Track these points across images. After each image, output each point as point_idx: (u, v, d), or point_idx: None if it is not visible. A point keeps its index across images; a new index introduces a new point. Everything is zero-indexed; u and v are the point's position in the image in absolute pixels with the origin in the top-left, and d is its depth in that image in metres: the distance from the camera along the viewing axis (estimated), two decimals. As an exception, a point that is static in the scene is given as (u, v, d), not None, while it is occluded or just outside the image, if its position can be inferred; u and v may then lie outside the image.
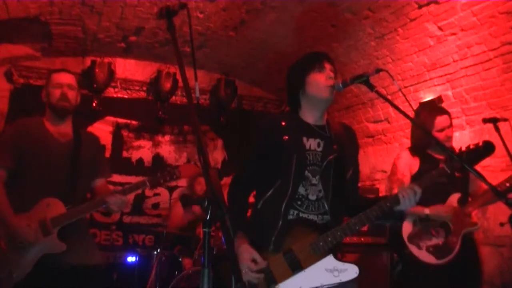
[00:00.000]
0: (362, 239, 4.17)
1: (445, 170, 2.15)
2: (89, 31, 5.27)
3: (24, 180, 2.55)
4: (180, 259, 4.47)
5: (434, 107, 3.52)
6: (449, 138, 3.08)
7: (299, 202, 2.08)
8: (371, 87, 2.02)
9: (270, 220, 2.07)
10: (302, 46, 5.23)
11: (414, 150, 3.16)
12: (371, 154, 5.83)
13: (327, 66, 2.17)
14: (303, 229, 2.06)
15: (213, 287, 1.28)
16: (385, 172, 5.57)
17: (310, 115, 2.21)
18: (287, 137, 2.10)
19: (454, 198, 3.03)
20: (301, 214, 2.08)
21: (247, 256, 1.98)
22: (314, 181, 2.11)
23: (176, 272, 4.29)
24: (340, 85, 2.10)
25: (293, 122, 2.18)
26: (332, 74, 2.16)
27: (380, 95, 2.06)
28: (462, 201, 3.03)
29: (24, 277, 2.40)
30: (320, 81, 2.14)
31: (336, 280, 1.99)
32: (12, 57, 5.51)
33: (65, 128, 2.71)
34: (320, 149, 2.15)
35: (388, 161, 5.51)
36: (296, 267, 2.01)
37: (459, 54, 4.17)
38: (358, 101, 5.64)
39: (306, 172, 2.10)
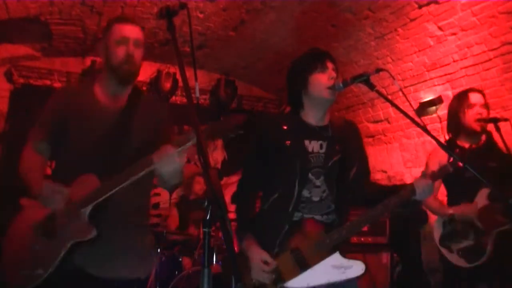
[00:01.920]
0: (362, 239, 4.17)
1: (452, 163, 2.12)
2: (89, 31, 5.27)
3: (66, 156, 2.12)
4: (180, 259, 4.47)
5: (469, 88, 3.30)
6: (480, 117, 2.96)
7: (302, 205, 2.09)
8: (372, 87, 2.02)
9: (276, 223, 2.08)
10: (302, 46, 5.23)
11: (448, 143, 3.07)
12: (371, 154, 5.82)
13: (330, 65, 2.16)
14: (308, 229, 2.07)
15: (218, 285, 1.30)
16: (385, 172, 5.57)
17: (312, 116, 2.20)
18: (289, 142, 2.10)
19: (483, 194, 2.88)
20: (305, 216, 2.09)
21: (258, 257, 2.01)
22: (317, 183, 2.12)
23: (176, 272, 4.28)
24: (341, 84, 2.10)
25: (294, 124, 2.17)
26: (334, 74, 2.15)
27: (381, 94, 2.06)
28: (493, 197, 2.86)
29: (47, 275, 1.92)
30: (322, 82, 2.13)
31: (343, 276, 2.02)
32: (12, 57, 5.51)
33: (122, 95, 2.14)
34: (323, 150, 2.15)
35: (388, 161, 5.51)
36: (304, 265, 2.03)
37: (459, 54, 4.17)
38: (358, 101, 5.64)
39: (310, 175, 2.10)
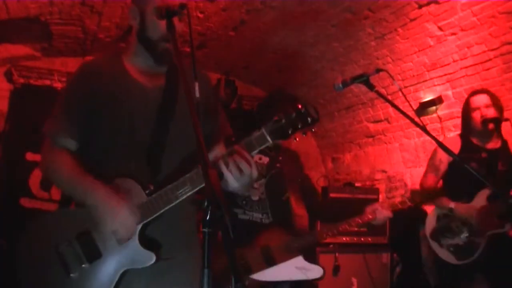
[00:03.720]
0: (362, 239, 4.16)
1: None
2: (89, 31, 5.27)
3: (97, 148, 1.73)
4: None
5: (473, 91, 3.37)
6: (485, 118, 3.00)
7: (244, 202, 2.52)
8: (371, 87, 2.03)
9: None
10: (302, 46, 5.23)
11: (461, 136, 3.16)
12: (371, 154, 5.82)
13: None
14: (277, 229, 2.46)
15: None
16: (385, 172, 5.57)
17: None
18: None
19: (483, 195, 2.92)
20: (247, 212, 2.50)
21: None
22: (255, 185, 2.54)
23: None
24: (340, 85, 2.11)
25: None
26: None
27: (380, 95, 2.07)
28: (492, 199, 2.89)
29: None
30: None
31: (303, 276, 2.38)
32: (12, 57, 5.50)
33: (157, 70, 1.80)
34: (261, 161, 2.58)
35: (388, 161, 5.51)
36: (271, 261, 2.35)
37: (459, 54, 4.17)
38: (358, 101, 5.63)
39: None
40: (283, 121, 1.50)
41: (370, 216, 2.39)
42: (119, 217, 1.54)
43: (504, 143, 3.12)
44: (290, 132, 1.51)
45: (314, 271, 2.39)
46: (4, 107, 5.50)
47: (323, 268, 2.43)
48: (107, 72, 1.76)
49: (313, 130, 1.55)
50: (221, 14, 4.89)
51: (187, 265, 1.70)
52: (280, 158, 2.64)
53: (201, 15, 4.89)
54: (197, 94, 1.49)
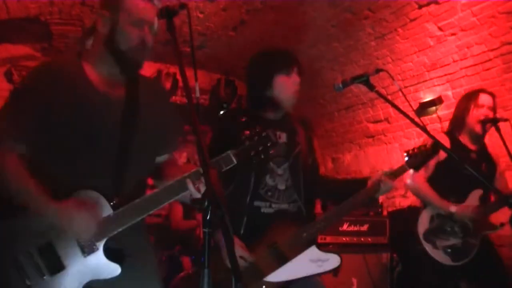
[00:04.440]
0: (362, 239, 4.16)
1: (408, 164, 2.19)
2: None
3: (52, 161, 1.63)
4: (180, 259, 4.47)
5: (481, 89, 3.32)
6: (487, 118, 2.97)
7: (269, 193, 2.13)
8: (371, 88, 2.03)
9: (233, 217, 2.05)
10: (302, 46, 5.23)
11: (447, 134, 3.09)
12: (371, 154, 5.82)
13: (295, 69, 2.19)
14: (282, 223, 2.11)
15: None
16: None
17: (271, 114, 2.25)
18: (248, 132, 2.09)
19: (475, 195, 2.92)
20: (273, 205, 2.14)
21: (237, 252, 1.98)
22: (279, 171, 2.17)
23: (176, 272, 4.28)
24: (340, 85, 2.11)
25: (252, 117, 2.19)
26: (298, 79, 2.19)
27: (380, 95, 2.07)
28: (484, 199, 2.90)
29: None
30: (287, 86, 2.17)
31: (320, 270, 2.09)
32: (12, 57, 5.50)
33: (118, 79, 1.73)
34: (282, 140, 2.21)
35: (388, 161, 5.51)
36: (282, 259, 2.06)
37: (459, 54, 4.17)
38: (358, 101, 5.63)
39: (271, 164, 2.15)
40: (247, 143, 1.74)
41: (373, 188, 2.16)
42: (79, 220, 1.51)
43: (484, 145, 3.10)
44: (252, 154, 1.73)
45: (330, 261, 2.09)
46: (4, 107, 5.50)
47: (339, 255, 2.12)
48: (67, 78, 1.66)
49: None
50: (221, 14, 4.90)
51: (147, 262, 1.77)
52: (298, 129, 2.31)
53: (201, 15, 4.89)
54: (197, 94, 1.51)
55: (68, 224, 1.51)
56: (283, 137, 2.21)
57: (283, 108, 2.23)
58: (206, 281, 1.15)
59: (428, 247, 2.88)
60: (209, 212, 1.20)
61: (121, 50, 1.66)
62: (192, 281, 4.04)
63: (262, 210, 2.12)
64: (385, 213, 4.27)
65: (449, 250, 2.85)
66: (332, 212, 2.21)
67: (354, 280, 4.03)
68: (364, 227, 4.00)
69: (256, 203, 2.11)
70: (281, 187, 2.15)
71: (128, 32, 1.66)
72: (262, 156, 1.74)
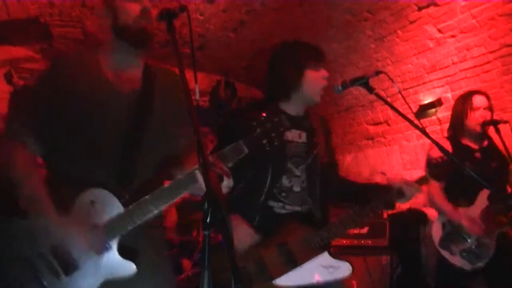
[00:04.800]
0: (362, 241, 4.16)
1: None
2: (89, 33, 5.27)
3: (62, 156, 1.64)
4: (180, 261, 4.46)
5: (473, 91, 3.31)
6: (485, 120, 2.97)
7: (283, 194, 2.05)
8: (370, 90, 2.03)
9: (245, 214, 2.02)
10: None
11: (449, 138, 3.10)
12: (371, 156, 5.82)
13: (323, 64, 2.17)
14: (294, 224, 2.03)
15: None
16: (385, 174, 5.56)
17: (293, 109, 2.18)
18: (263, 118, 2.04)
19: (483, 196, 2.91)
20: (286, 207, 2.05)
21: (250, 239, 1.95)
22: (297, 172, 2.10)
23: (176, 274, 4.28)
24: (340, 87, 2.10)
25: (273, 113, 2.14)
26: (327, 74, 2.15)
27: (380, 97, 2.07)
28: (493, 198, 2.89)
29: None
30: (317, 81, 2.12)
31: (331, 277, 1.98)
32: (12, 59, 5.50)
33: (134, 72, 1.76)
34: (302, 140, 2.13)
35: (387, 163, 5.51)
36: (292, 261, 1.97)
37: (459, 56, 4.18)
38: (357, 103, 5.64)
39: (289, 164, 2.08)
40: (258, 130, 1.61)
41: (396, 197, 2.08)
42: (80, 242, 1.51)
43: (491, 140, 3.11)
44: (264, 142, 1.60)
45: (342, 269, 1.99)
46: (4, 108, 5.49)
47: (351, 264, 2.02)
48: (82, 72, 1.69)
49: None
50: (221, 15, 4.90)
51: (160, 265, 1.72)
52: (317, 128, 2.24)
53: (201, 17, 4.90)
54: (197, 96, 1.50)
55: (69, 241, 1.52)
56: (303, 137, 2.13)
57: (308, 103, 2.18)
58: (206, 283, 1.15)
59: (446, 254, 2.86)
60: (209, 214, 1.20)
61: (126, 26, 1.67)
62: (192, 283, 4.04)
63: (275, 210, 2.05)
64: (385, 215, 4.27)
65: (464, 254, 2.83)
66: (345, 218, 2.06)
67: (354, 282, 4.03)
68: (364, 230, 4.00)
69: (270, 203, 2.04)
70: (296, 189, 2.08)
71: (128, 6, 1.68)
72: (276, 143, 1.62)
